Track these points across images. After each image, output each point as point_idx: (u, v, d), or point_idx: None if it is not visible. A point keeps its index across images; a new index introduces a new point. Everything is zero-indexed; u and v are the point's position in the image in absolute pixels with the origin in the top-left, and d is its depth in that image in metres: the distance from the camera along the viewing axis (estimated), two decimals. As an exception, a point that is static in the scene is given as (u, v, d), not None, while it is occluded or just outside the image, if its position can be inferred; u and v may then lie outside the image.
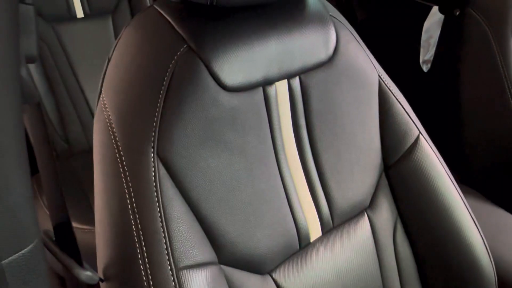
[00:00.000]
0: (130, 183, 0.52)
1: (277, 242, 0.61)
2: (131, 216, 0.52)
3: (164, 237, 0.51)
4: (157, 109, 0.53)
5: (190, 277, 0.51)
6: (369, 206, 0.71)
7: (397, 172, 0.72)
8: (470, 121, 1.09)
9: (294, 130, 0.64)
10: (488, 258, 0.72)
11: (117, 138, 0.54)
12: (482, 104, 1.06)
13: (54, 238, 0.60)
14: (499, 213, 0.98)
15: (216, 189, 0.55)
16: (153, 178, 0.52)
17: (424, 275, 0.75)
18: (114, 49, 0.59)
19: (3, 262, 0.37)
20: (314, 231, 0.66)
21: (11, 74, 0.37)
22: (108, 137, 0.55)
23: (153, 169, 0.52)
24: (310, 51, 0.63)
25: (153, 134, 0.53)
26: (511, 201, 1.00)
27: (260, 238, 0.59)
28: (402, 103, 0.72)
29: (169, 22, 0.57)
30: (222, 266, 0.57)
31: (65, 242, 0.60)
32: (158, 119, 0.53)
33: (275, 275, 0.62)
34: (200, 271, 0.53)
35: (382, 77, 0.71)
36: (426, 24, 1.17)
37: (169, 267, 0.51)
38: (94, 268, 0.58)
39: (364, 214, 0.71)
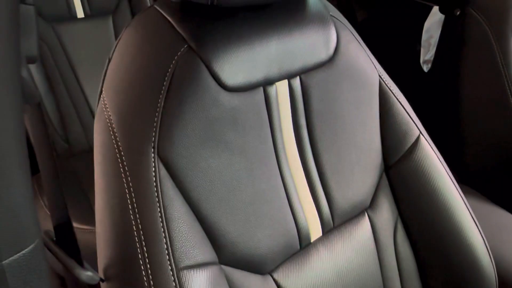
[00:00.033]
0: (130, 183, 0.52)
1: (278, 242, 0.61)
2: (131, 216, 0.52)
3: (165, 237, 0.51)
4: (158, 109, 0.53)
5: (191, 277, 0.51)
6: (370, 206, 0.71)
7: (398, 172, 0.72)
8: (470, 121, 1.09)
9: (295, 130, 0.63)
10: (489, 258, 0.72)
11: (118, 138, 0.54)
12: (483, 104, 1.06)
13: (54, 238, 0.60)
14: (500, 213, 0.98)
15: (217, 189, 0.55)
16: (154, 178, 0.52)
17: (425, 275, 0.74)
18: (115, 49, 0.59)
19: (3, 262, 0.37)
20: (315, 231, 0.66)
21: (11, 74, 0.37)
22: (109, 137, 0.55)
23: (153, 169, 0.52)
24: (310, 51, 0.63)
25: (153, 134, 0.53)
26: (511, 201, 1.00)
27: (260, 238, 0.59)
28: (402, 103, 0.72)
29: (170, 22, 0.57)
30: (222, 266, 0.57)
31: (65, 242, 0.60)
32: (158, 119, 0.53)
33: (275, 275, 0.62)
34: (201, 271, 0.53)
35: (382, 77, 0.71)
36: (427, 24, 1.17)
37: (170, 267, 0.51)
38: (94, 268, 0.58)
39: (364, 214, 0.71)
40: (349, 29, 0.69)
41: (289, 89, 0.62)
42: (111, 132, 0.55)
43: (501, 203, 1.01)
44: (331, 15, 0.67)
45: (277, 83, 0.61)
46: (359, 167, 0.68)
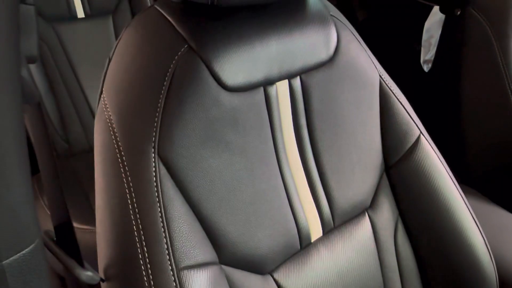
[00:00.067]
0: (131, 183, 0.52)
1: (278, 242, 0.61)
2: (132, 216, 0.52)
3: (165, 237, 0.51)
4: (158, 109, 0.53)
5: (191, 277, 0.51)
6: (370, 206, 0.71)
7: (398, 172, 0.72)
8: (470, 120, 1.09)
9: (295, 130, 0.63)
10: (489, 258, 0.72)
11: (118, 138, 0.54)
12: (483, 104, 1.06)
13: (54, 238, 0.60)
14: (500, 213, 0.98)
15: (217, 189, 0.55)
16: (154, 178, 0.52)
17: (425, 275, 0.74)
18: (115, 49, 0.59)
19: (3, 262, 0.37)
20: (315, 231, 0.65)
21: (11, 74, 0.37)
22: (109, 137, 0.55)
23: (153, 169, 0.52)
24: (311, 51, 0.63)
25: (154, 134, 0.53)
26: (512, 201, 1.00)
27: (261, 238, 0.59)
28: (403, 103, 0.72)
29: (170, 22, 0.57)
30: (223, 266, 0.57)
31: (65, 242, 0.60)
32: (158, 119, 0.53)
33: (276, 275, 0.62)
34: (201, 271, 0.52)
35: (383, 77, 0.71)
36: (427, 24, 1.17)
37: (170, 267, 0.51)
38: (94, 268, 0.58)
39: (365, 214, 0.71)
40: (349, 29, 0.69)
41: (290, 89, 0.62)
42: (111, 132, 0.55)
43: (502, 203, 1.01)
44: (331, 15, 0.67)
45: (278, 83, 0.61)
46: (360, 167, 0.68)
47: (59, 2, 1.32)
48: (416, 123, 0.72)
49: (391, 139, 0.71)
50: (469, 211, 0.72)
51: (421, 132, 0.72)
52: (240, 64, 0.57)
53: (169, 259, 0.51)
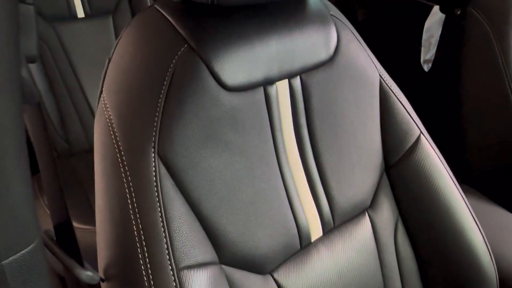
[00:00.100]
0: (130, 183, 0.52)
1: (278, 242, 0.61)
2: (131, 216, 0.52)
3: (165, 237, 0.51)
4: (158, 109, 0.53)
5: (191, 277, 0.51)
6: (370, 206, 0.71)
7: (398, 171, 0.72)
8: (471, 120, 1.09)
9: (295, 130, 0.63)
10: (490, 257, 0.72)
11: (118, 138, 0.54)
12: (483, 104, 1.06)
13: (54, 238, 0.60)
14: (500, 213, 0.98)
15: (217, 189, 0.55)
16: (154, 178, 0.52)
17: (425, 275, 0.74)
18: (115, 49, 0.59)
19: (3, 262, 0.37)
20: (315, 231, 0.65)
21: (11, 74, 0.37)
22: (109, 137, 0.55)
23: (153, 169, 0.52)
24: (311, 51, 0.63)
25: (153, 134, 0.53)
26: (512, 201, 1.00)
27: (261, 238, 0.59)
28: (403, 103, 0.72)
29: (170, 22, 0.57)
30: (223, 266, 0.57)
31: (65, 242, 0.60)
32: (158, 119, 0.53)
33: (276, 275, 0.62)
34: (201, 271, 0.52)
35: (383, 76, 0.71)
36: (427, 24, 1.17)
37: (170, 267, 0.51)
38: (94, 268, 0.58)
39: (365, 214, 0.71)
40: (349, 29, 0.69)
41: (290, 89, 0.62)
42: (111, 132, 0.55)
43: (502, 202, 1.01)
44: (331, 15, 0.67)
45: (278, 83, 0.61)
46: (360, 166, 0.68)
47: (59, 2, 1.32)
48: (416, 123, 0.72)
49: (391, 138, 0.71)
50: (469, 211, 0.72)
51: (421, 132, 0.72)
52: (240, 63, 0.57)
53: (169, 259, 0.51)
